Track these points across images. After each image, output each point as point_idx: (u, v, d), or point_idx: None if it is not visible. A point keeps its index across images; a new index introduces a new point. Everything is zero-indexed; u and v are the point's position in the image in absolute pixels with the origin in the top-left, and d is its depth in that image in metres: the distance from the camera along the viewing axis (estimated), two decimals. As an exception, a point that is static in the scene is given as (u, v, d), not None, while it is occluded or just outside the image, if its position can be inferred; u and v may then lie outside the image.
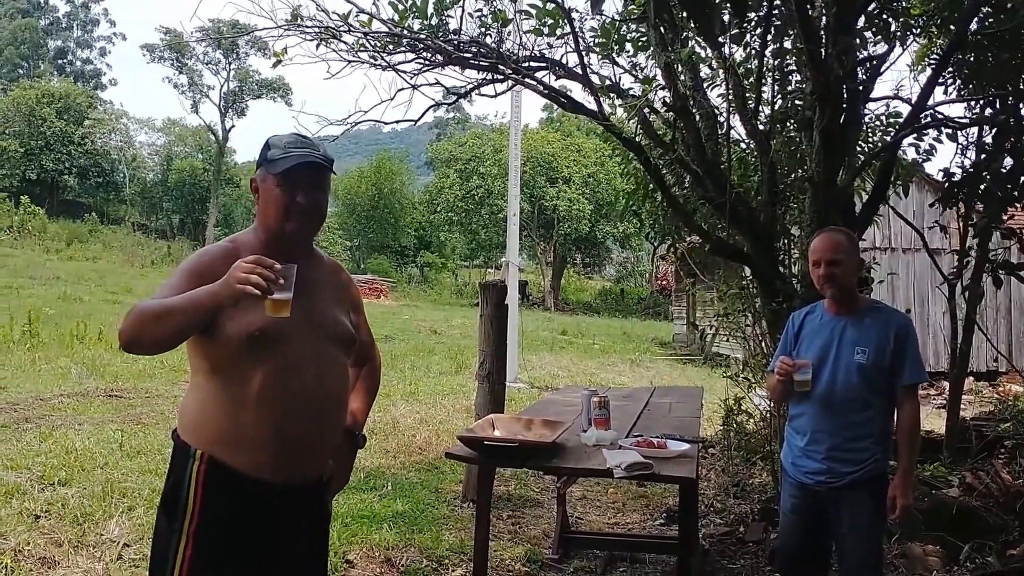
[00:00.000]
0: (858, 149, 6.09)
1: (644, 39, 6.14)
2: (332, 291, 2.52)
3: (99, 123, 47.09)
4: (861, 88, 5.73)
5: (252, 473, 2.24)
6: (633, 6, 6.04)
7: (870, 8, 5.65)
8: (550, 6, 5.71)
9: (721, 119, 6.15)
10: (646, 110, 6.04)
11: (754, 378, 6.78)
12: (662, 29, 5.82)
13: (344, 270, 2.66)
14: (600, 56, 6.14)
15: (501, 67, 5.74)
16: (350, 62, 5.76)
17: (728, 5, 5.45)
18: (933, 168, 6.75)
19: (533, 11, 5.78)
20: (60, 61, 66.40)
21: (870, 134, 6.68)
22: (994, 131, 6.11)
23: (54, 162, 44.84)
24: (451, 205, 42.18)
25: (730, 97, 5.94)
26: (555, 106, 6.73)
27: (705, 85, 6.34)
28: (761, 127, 5.92)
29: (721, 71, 6.25)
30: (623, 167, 7.61)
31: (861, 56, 5.83)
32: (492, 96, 6.40)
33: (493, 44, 5.83)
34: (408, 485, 6.61)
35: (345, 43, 5.72)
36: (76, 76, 63.43)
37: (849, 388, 3.33)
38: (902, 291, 15.83)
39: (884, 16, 5.82)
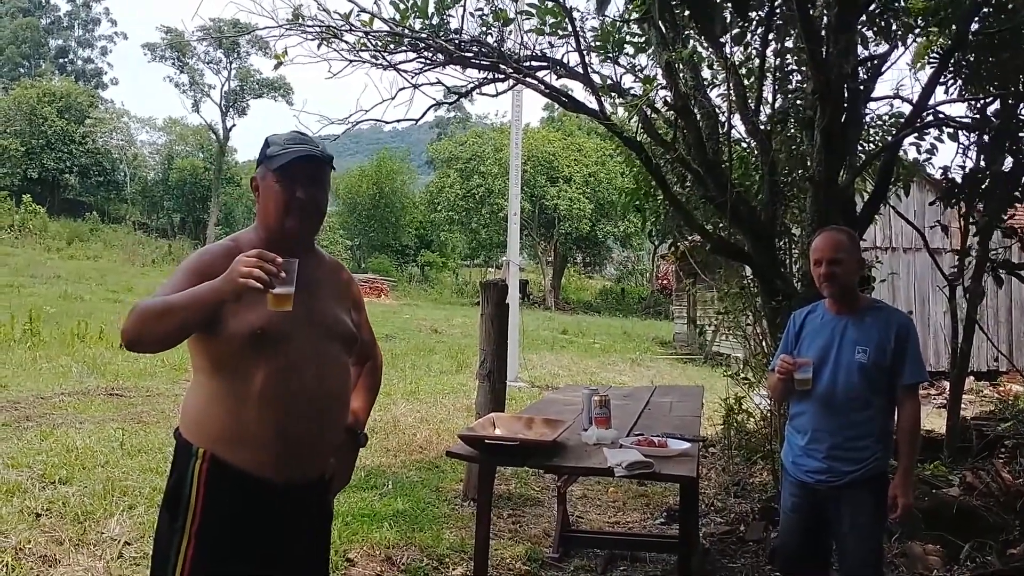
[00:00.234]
0: (859, 148, 6.08)
1: (644, 40, 6.13)
2: (333, 290, 2.52)
3: (100, 122, 47.13)
4: (862, 87, 5.73)
5: (254, 472, 2.24)
6: (632, 6, 6.04)
7: (871, 8, 5.64)
8: (551, 5, 5.71)
9: (722, 118, 6.15)
10: (647, 109, 6.04)
11: (754, 377, 6.78)
12: (663, 28, 5.82)
13: (345, 269, 2.66)
14: (601, 56, 6.14)
15: (502, 66, 5.74)
16: (351, 62, 5.76)
17: (730, 5, 5.45)
18: (934, 167, 6.73)
19: (534, 11, 5.78)
20: (61, 60, 66.43)
21: (871, 134, 6.68)
22: (994, 131, 6.11)
23: (55, 161, 44.87)
24: (452, 204, 42.21)
25: (731, 96, 5.94)
26: (556, 105, 6.73)
27: (706, 85, 6.35)
28: (762, 126, 5.92)
29: (722, 70, 6.25)
30: (626, 167, 7.61)
31: (862, 55, 5.83)
32: (493, 95, 6.41)
33: (494, 43, 5.82)
34: (409, 484, 6.61)
35: (346, 42, 5.73)
36: (77, 75, 63.47)
37: (850, 387, 3.33)
38: (903, 291, 15.83)
39: (885, 16, 5.82)
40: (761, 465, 7.01)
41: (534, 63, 5.93)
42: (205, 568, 2.22)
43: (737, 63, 6.23)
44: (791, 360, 3.37)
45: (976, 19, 5.61)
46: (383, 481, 6.57)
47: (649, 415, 4.95)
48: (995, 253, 6.66)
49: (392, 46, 5.82)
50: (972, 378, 13.48)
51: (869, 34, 5.96)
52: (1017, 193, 6.15)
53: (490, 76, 6.03)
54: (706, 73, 6.54)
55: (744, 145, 6.75)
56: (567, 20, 5.64)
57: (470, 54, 5.84)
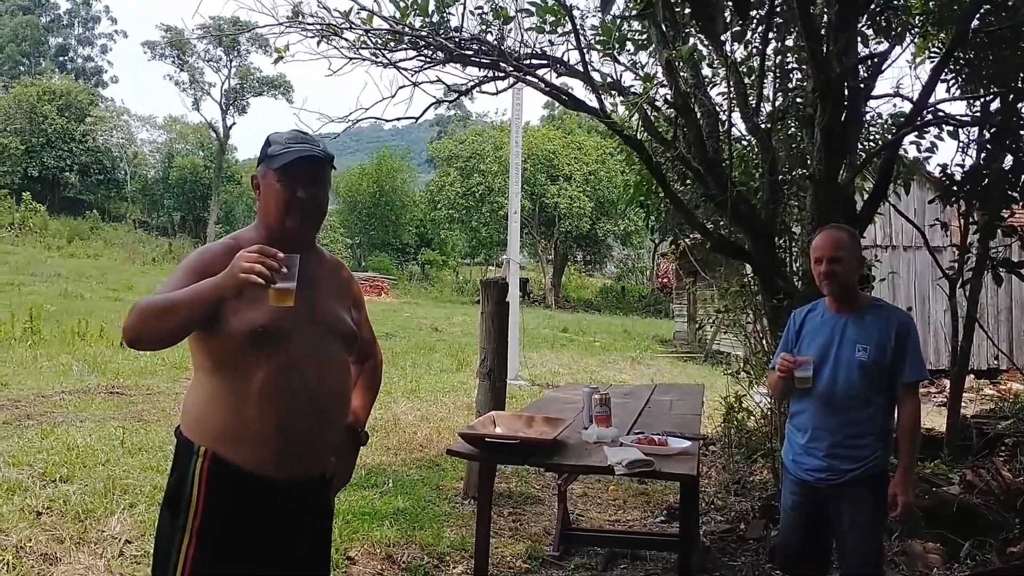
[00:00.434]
0: (859, 147, 6.08)
1: (645, 38, 6.13)
2: (334, 288, 2.52)
3: (100, 120, 47.12)
4: (862, 86, 5.73)
5: (255, 470, 2.24)
6: (633, 3, 6.04)
7: (871, 6, 5.64)
8: (551, 3, 5.71)
9: (722, 116, 6.15)
10: (647, 107, 6.03)
11: (755, 375, 6.78)
12: (664, 26, 5.81)
13: (345, 267, 2.66)
14: (601, 54, 6.14)
15: (502, 64, 5.74)
16: (351, 59, 5.76)
17: (730, 3, 5.45)
18: (934, 165, 6.74)
19: (534, 9, 5.77)
20: (61, 58, 66.41)
21: (871, 132, 6.68)
22: (994, 129, 6.11)
23: (55, 159, 44.88)
24: (452, 202, 42.20)
25: (731, 94, 5.94)
26: (556, 103, 6.72)
27: (706, 83, 6.34)
28: (762, 125, 5.92)
29: (722, 69, 6.25)
30: (626, 165, 7.61)
31: (862, 54, 5.83)
32: (493, 93, 6.40)
33: (494, 41, 5.82)
34: (409, 482, 6.61)
35: (346, 40, 5.73)
36: (77, 73, 63.45)
37: (850, 386, 3.33)
38: (903, 289, 15.83)
39: (885, 14, 5.82)
40: (761, 463, 7.01)
41: (534, 61, 5.93)
42: (206, 566, 2.22)
43: (737, 61, 6.23)
44: (791, 358, 3.38)
45: (976, 17, 5.60)
46: (384, 479, 6.57)
47: (649, 413, 4.95)
48: (995, 251, 6.65)
49: (392, 44, 5.82)
50: (972, 376, 13.46)
51: (869, 32, 5.96)
52: (1015, 193, 6.14)
53: (490, 74, 6.03)
54: (706, 71, 6.55)
55: (744, 143, 6.75)
56: (567, 18, 5.64)
57: (470, 52, 5.84)
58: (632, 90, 6.12)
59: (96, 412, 8.67)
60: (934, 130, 6.18)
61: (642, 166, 6.74)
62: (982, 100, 6.28)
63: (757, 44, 6.12)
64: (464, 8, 5.74)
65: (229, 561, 2.23)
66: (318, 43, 5.65)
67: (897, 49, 6.05)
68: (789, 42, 6.11)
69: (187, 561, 2.21)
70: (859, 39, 5.72)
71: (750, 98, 5.87)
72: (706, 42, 6.13)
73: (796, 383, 3.38)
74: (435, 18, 5.77)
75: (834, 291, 3.43)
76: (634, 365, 18.03)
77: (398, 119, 6.12)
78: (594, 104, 5.72)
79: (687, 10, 5.74)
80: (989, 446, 6.44)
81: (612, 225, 42.07)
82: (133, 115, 51.52)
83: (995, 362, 14.97)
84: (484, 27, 5.92)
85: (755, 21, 6.04)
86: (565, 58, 5.94)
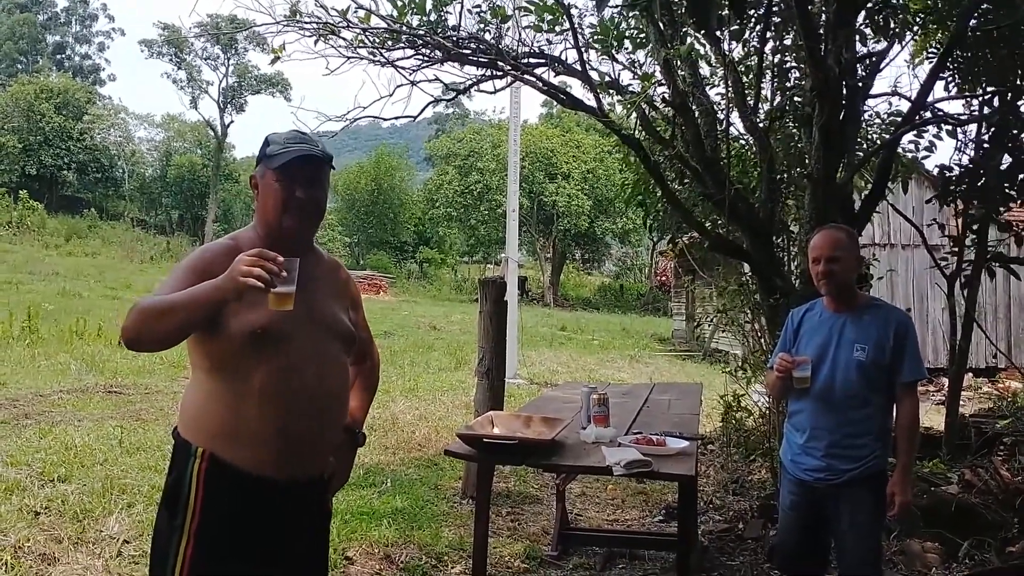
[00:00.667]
0: (857, 145, 6.08)
1: (643, 36, 6.13)
2: (332, 288, 2.52)
3: (98, 119, 47.11)
4: (860, 84, 5.73)
5: (253, 470, 2.23)
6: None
7: (869, 5, 5.64)
8: (549, 2, 5.70)
9: (720, 115, 6.14)
10: (645, 106, 6.03)
11: (753, 374, 6.78)
12: (662, 25, 5.81)
13: (343, 267, 2.66)
14: (599, 52, 6.13)
15: (500, 63, 5.73)
16: (349, 58, 5.75)
17: (727, 2, 5.44)
18: (932, 164, 6.75)
19: (532, 7, 5.77)
20: (59, 56, 66.31)
21: (869, 131, 6.68)
22: (992, 128, 6.10)
23: (53, 157, 44.85)
24: (450, 201, 42.18)
25: (729, 93, 5.93)
26: (554, 102, 6.72)
27: (704, 82, 6.34)
28: (760, 123, 5.91)
29: (720, 68, 6.24)
30: (623, 163, 7.61)
31: (860, 52, 5.83)
32: (491, 92, 6.40)
33: (492, 40, 5.81)
34: (407, 481, 6.61)
35: (344, 39, 5.71)
36: (75, 71, 63.36)
37: (848, 385, 3.33)
38: (901, 287, 15.84)
39: (883, 13, 5.81)
40: (760, 463, 7.02)
41: (532, 60, 5.92)
42: (204, 567, 2.22)
43: (735, 60, 6.22)
44: (789, 358, 3.37)
45: (974, 16, 5.60)
46: (382, 479, 6.57)
47: (648, 413, 4.95)
48: (992, 247, 6.65)
49: (390, 43, 5.81)
50: (971, 375, 13.49)
51: (867, 31, 5.95)
52: (1013, 192, 6.14)
53: (488, 73, 6.02)
54: (704, 70, 6.54)
55: (742, 142, 6.74)
56: (565, 17, 5.64)
57: (468, 51, 5.83)
58: (630, 89, 6.11)
59: (94, 411, 8.66)
60: (933, 129, 6.18)
61: (639, 165, 6.74)
62: (980, 99, 6.28)
63: (755, 43, 6.11)
64: (462, 7, 5.74)
65: (227, 562, 2.23)
66: (315, 42, 5.64)
67: (895, 48, 6.06)
68: (787, 41, 6.10)
69: (185, 562, 2.21)
70: (857, 38, 5.72)
71: (748, 97, 5.86)
72: (704, 41, 6.12)
73: (794, 383, 3.38)
74: (433, 17, 5.76)
75: (832, 291, 3.43)
76: (632, 364, 18.04)
77: (396, 118, 6.12)
78: (592, 103, 5.71)
79: (684, 8, 5.73)
80: (988, 445, 6.44)
81: (610, 223, 42.08)
82: (131, 113, 51.64)
83: (993, 360, 14.99)
84: (482, 26, 5.92)
85: (753, 20, 6.04)
86: (563, 57, 5.94)
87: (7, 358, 11.94)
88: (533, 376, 14.28)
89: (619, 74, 6.18)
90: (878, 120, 6.74)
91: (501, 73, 5.89)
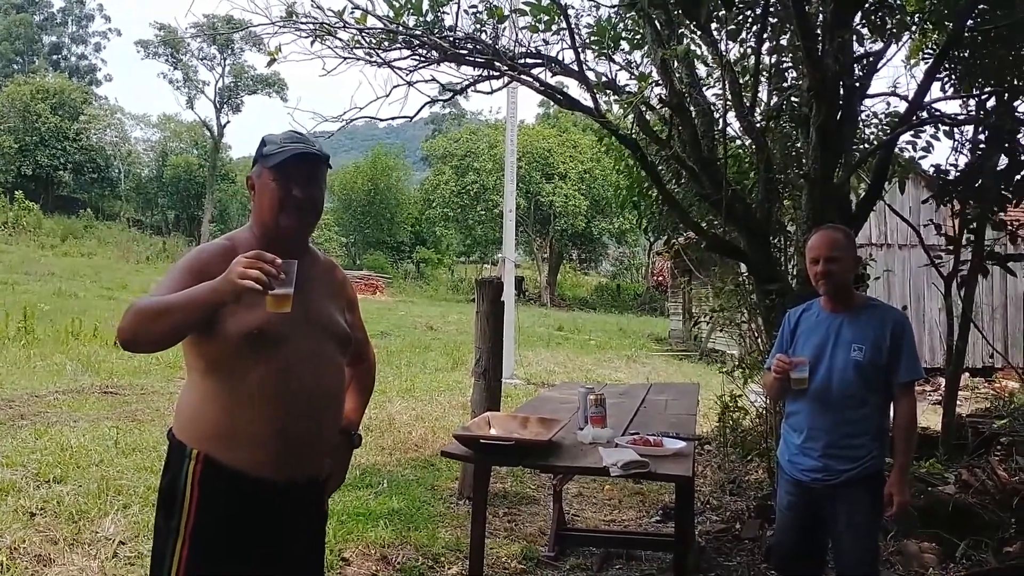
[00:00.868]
0: (854, 146, 6.08)
1: (640, 36, 6.12)
2: (328, 289, 2.51)
3: (94, 119, 47.04)
4: (857, 85, 5.73)
5: (250, 471, 2.23)
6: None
7: (866, 4, 5.64)
8: (546, 2, 5.69)
9: (717, 116, 6.14)
10: (642, 106, 6.02)
11: (749, 374, 6.78)
12: (658, 24, 5.80)
13: (339, 268, 2.66)
14: (596, 53, 6.13)
15: (497, 64, 5.72)
16: (345, 59, 5.73)
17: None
18: (929, 164, 6.78)
19: (528, 8, 5.76)
20: (55, 56, 66.14)
21: (867, 131, 6.68)
22: (989, 128, 6.11)
23: (49, 158, 44.78)
24: (446, 201, 42.17)
25: (726, 94, 5.93)
26: (551, 102, 6.72)
27: (701, 83, 6.33)
28: (757, 124, 5.91)
29: (717, 68, 6.24)
30: (616, 166, 7.61)
31: (857, 52, 5.83)
32: (488, 93, 6.38)
33: (489, 40, 5.80)
34: (404, 482, 6.60)
35: (340, 40, 5.70)
36: (71, 72, 63.22)
37: (845, 385, 3.33)
38: (898, 287, 15.84)
39: (880, 13, 5.81)
40: (757, 463, 7.02)
41: (529, 60, 5.92)
42: (200, 568, 2.22)
43: (732, 60, 6.22)
44: (787, 359, 3.37)
45: (972, 16, 5.60)
46: (378, 480, 6.56)
47: (645, 413, 4.96)
48: (988, 246, 6.66)
49: (386, 43, 5.80)
50: (968, 375, 13.50)
51: (864, 31, 5.95)
52: (1009, 192, 6.15)
53: (485, 73, 6.01)
54: (701, 70, 6.54)
55: (739, 143, 6.74)
56: (561, 17, 5.63)
57: (464, 51, 5.82)
58: (627, 89, 6.10)
59: (90, 412, 8.65)
60: (930, 129, 6.18)
61: (633, 168, 6.74)
62: (977, 99, 6.28)
63: (752, 43, 6.11)
64: (458, 7, 5.73)
65: (223, 563, 2.23)
66: (312, 43, 5.62)
67: (892, 48, 6.06)
68: (784, 41, 6.10)
69: (181, 563, 2.21)
70: (854, 38, 5.72)
71: (745, 97, 5.86)
72: (699, 40, 6.12)
73: (792, 384, 3.37)
74: (429, 17, 5.75)
75: (830, 291, 3.43)
76: (629, 363, 18.03)
77: (393, 118, 6.10)
78: (589, 103, 5.71)
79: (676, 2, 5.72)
80: (985, 445, 6.44)
81: (607, 223, 42.06)
82: (127, 113, 51.52)
83: (990, 360, 14.99)
84: (479, 26, 5.91)
85: (750, 20, 6.04)
86: (560, 57, 5.93)
87: (2, 359, 11.91)
88: (530, 376, 14.28)
89: (616, 74, 6.18)
90: (875, 120, 6.74)
91: (498, 73, 5.89)
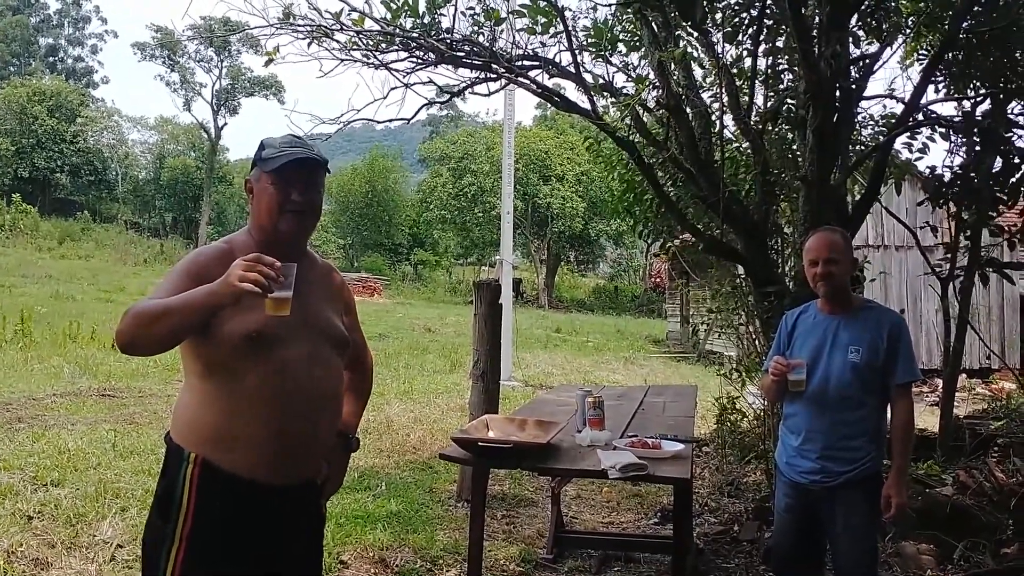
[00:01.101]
0: (851, 148, 6.09)
1: (637, 39, 6.13)
2: (326, 292, 2.51)
3: (91, 121, 46.99)
4: (854, 87, 5.74)
5: (247, 474, 2.23)
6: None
7: (863, 7, 5.65)
8: (543, 5, 5.70)
9: (714, 118, 6.15)
10: (639, 109, 6.03)
11: (747, 376, 6.78)
12: (655, 27, 5.81)
13: (337, 271, 2.66)
14: (593, 55, 6.14)
15: (494, 66, 5.73)
16: (342, 61, 5.74)
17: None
18: (925, 166, 6.80)
19: (525, 10, 5.77)
20: (51, 59, 66.07)
21: (863, 133, 6.69)
22: (983, 131, 6.12)
23: (46, 160, 44.73)
24: (444, 203, 42.17)
25: (723, 96, 5.94)
26: (548, 104, 6.73)
27: (698, 85, 6.34)
28: (754, 126, 5.92)
29: (714, 70, 6.25)
30: (607, 175, 7.62)
31: (854, 55, 5.84)
32: (485, 95, 6.41)
33: (486, 43, 5.81)
34: (402, 485, 6.60)
35: (337, 42, 5.70)
36: (67, 74, 63.13)
37: (843, 387, 3.33)
38: (895, 288, 15.87)
39: (876, 15, 5.82)
40: (755, 465, 7.01)
41: (526, 62, 5.93)
42: (196, 572, 2.21)
43: (729, 63, 6.23)
44: (784, 362, 3.37)
45: (966, 18, 5.61)
46: (376, 482, 6.55)
47: (643, 415, 4.96)
48: (985, 252, 6.67)
49: (383, 45, 5.80)
50: (965, 376, 13.52)
51: (860, 33, 5.96)
52: (1004, 195, 6.15)
53: (482, 75, 6.02)
54: (698, 73, 6.55)
55: (736, 145, 6.75)
56: (559, 19, 5.64)
57: (462, 53, 5.82)
58: (624, 91, 6.11)
59: (88, 415, 8.64)
60: (926, 131, 6.19)
61: (627, 173, 6.74)
62: (972, 101, 6.30)
63: (748, 45, 6.12)
64: (455, 9, 5.73)
65: (219, 566, 2.22)
66: (309, 44, 5.63)
67: (888, 50, 6.07)
68: (780, 43, 6.11)
69: (176, 567, 2.20)
70: (851, 40, 5.73)
71: (742, 100, 5.87)
72: (697, 43, 6.13)
73: (790, 386, 3.38)
74: (426, 19, 5.75)
75: (829, 292, 3.44)
76: (627, 365, 18.05)
77: (390, 120, 6.10)
78: (586, 105, 5.71)
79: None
80: (982, 446, 6.45)
81: (605, 225, 42.07)
82: (124, 116, 51.51)
83: (987, 362, 15.03)
84: (476, 28, 5.91)
85: (746, 22, 6.04)
86: (557, 59, 5.94)
87: (0, 362, 11.89)
88: (528, 378, 14.28)
89: (613, 76, 6.19)
90: (872, 122, 6.75)
91: (495, 75, 5.90)
